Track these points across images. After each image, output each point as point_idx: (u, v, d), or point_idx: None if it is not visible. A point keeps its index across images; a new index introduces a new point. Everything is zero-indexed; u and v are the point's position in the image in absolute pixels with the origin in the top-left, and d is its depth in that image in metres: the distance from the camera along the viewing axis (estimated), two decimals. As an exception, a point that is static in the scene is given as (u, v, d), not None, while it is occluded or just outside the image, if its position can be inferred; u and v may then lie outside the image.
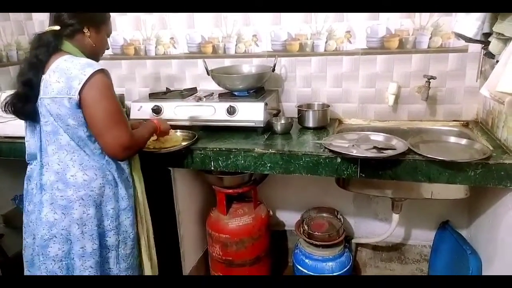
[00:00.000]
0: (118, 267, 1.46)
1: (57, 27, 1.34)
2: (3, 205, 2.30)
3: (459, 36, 1.51)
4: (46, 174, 1.36)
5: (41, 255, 1.37)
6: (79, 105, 1.28)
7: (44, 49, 1.32)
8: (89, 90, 1.26)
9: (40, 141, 1.37)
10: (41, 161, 1.37)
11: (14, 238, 2.31)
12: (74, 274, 1.38)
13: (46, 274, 1.39)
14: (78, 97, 1.26)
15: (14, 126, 1.91)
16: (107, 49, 1.54)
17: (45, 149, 1.36)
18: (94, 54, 1.44)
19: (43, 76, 1.30)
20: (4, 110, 1.37)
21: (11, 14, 2.28)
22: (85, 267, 1.37)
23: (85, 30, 1.38)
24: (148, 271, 1.58)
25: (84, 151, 1.35)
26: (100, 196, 1.38)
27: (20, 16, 2.34)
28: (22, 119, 1.41)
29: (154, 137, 1.69)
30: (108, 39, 1.51)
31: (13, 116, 1.39)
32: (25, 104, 1.33)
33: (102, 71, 1.30)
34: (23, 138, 1.89)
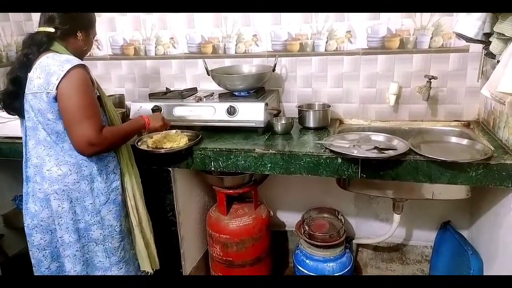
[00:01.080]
0: (109, 261, 1.49)
1: (52, 29, 1.38)
2: (3, 206, 2.30)
3: (460, 36, 1.51)
4: (30, 167, 1.42)
5: (29, 243, 1.47)
6: (56, 99, 1.31)
7: (35, 49, 1.36)
8: (65, 85, 1.29)
9: (25, 136, 1.42)
10: (26, 154, 1.44)
11: (14, 238, 2.32)
12: (59, 261, 1.48)
13: (33, 261, 1.49)
14: (55, 92, 1.29)
15: (14, 127, 1.90)
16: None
17: (27, 143, 1.42)
18: (83, 54, 1.49)
19: (29, 74, 1.34)
20: None
21: (11, 14, 2.28)
22: (64, 255, 1.46)
23: (78, 34, 1.43)
24: (145, 264, 1.59)
25: (60, 146, 1.38)
26: (76, 192, 1.41)
27: (20, 17, 2.34)
28: (12, 115, 1.47)
29: (159, 134, 1.70)
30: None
31: (6, 113, 1.47)
32: (13, 101, 1.40)
33: (80, 66, 1.32)
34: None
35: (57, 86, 1.28)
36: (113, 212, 1.48)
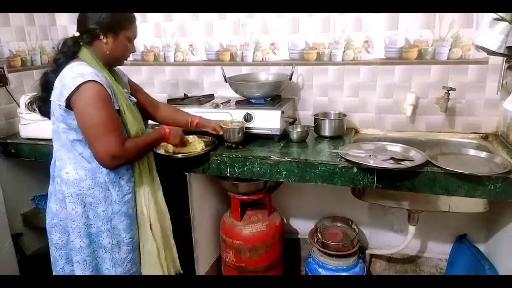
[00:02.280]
0: (114, 271, 1.49)
1: (77, 34, 1.39)
2: (22, 205, 2.35)
3: (482, 48, 1.51)
4: (55, 168, 1.47)
5: (49, 240, 1.51)
6: (68, 111, 1.33)
7: (63, 55, 1.39)
8: (76, 100, 1.30)
9: (53, 138, 1.47)
10: (53, 155, 1.48)
11: (32, 238, 2.37)
12: (72, 265, 1.48)
13: (52, 259, 1.52)
14: (65, 104, 1.31)
15: (36, 129, 1.97)
16: (133, 52, 1.52)
17: (54, 145, 1.46)
18: (114, 60, 1.46)
19: (55, 80, 1.37)
20: (28, 108, 1.50)
21: (36, 19, 2.35)
22: (74, 260, 1.46)
23: (101, 37, 1.38)
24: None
25: (79, 152, 1.41)
26: (90, 197, 1.42)
27: (45, 21, 2.41)
28: (44, 117, 1.50)
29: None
30: (134, 42, 1.49)
31: (37, 115, 1.50)
32: (42, 104, 1.45)
33: (92, 81, 1.29)
34: (44, 140, 1.96)
35: (66, 99, 1.29)
36: (124, 224, 1.48)
